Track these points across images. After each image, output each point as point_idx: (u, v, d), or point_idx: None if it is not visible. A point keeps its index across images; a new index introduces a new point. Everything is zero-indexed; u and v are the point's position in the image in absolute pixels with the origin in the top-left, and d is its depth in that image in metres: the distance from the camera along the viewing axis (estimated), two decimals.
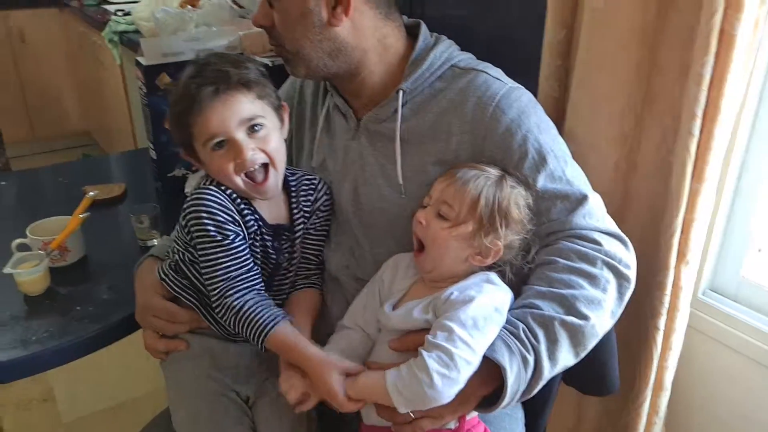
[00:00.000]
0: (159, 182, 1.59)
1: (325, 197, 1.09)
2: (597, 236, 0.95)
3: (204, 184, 0.99)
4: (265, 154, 0.96)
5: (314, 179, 1.09)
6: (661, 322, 1.19)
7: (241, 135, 0.94)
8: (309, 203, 1.07)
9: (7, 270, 1.13)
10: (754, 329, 1.19)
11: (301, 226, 1.06)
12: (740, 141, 1.16)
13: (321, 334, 1.03)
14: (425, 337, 0.84)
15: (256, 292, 0.97)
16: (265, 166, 0.97)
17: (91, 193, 1.29)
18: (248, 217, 0.99)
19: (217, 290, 0.95)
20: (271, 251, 1.03)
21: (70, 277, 1.24)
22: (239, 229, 0.97)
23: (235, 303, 0.94)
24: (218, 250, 0.95)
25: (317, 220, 1.09)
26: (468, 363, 0.82)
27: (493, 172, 0.94)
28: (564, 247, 0.95)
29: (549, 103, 1.27)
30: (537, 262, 0.96)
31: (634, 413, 1.28)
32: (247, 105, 0.94)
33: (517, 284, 0.95)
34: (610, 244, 0.95)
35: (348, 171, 1.08)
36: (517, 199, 0.92)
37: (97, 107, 3.76)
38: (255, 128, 0.95)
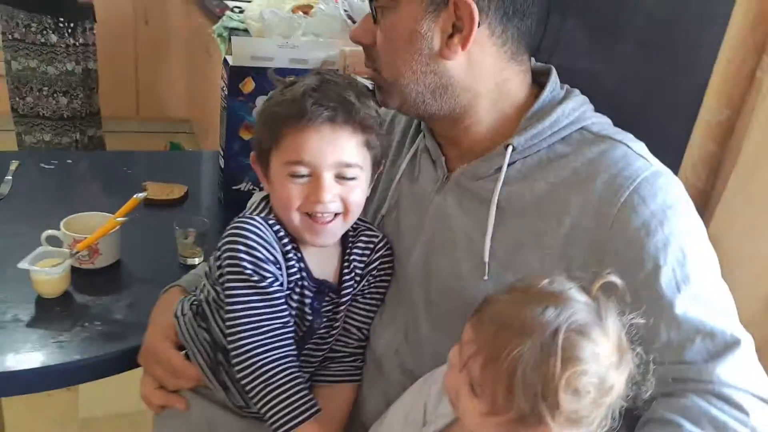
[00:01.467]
0: (222, 192, 1.45)
1: (383, 259, 0.90)
2: (745, 401, 0.69)
3: (250, 212, 0.83)
4: (342, 204, 0.81)
5: (375, 235, 0.90)
6: None
7: (329, 176, 0.80)
8: (363, 263, 0.88)
9: (22, 265, 1.00)
10: None
11: (351, 287, 0.87)
12: None
13: (352, 426, 0.89)
14: None
15: (290, 357, 0.79)
16: (335, 213, 0.81)
17: (140, 195, 1.15)
18: (292, 262, 0.82)
19: (242, 344, 0.78)
20: (308, 311, 0.84)
21: (94, 283, 1.10)
22: (279, 272, 0.81)
23: (263, 366, 0.78)
24: (252, 292, 0.79)
25: (368, 285, 0.90)
26: None
27: (550, 319, 0.60)
28: (695, 407, 0.69)
29: (691, 194, 0.99)
30: (649, 416, 0.71)
31: None
32: (353, 148, 0.81)
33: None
34: (761, 416, 0.69)
35: (424, 230, 0.87)
36: (579, 373, 0.58)
37: (201, 99, 3.77)
38: (347, 176, 0.81)
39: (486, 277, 0.80)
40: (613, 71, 1.37)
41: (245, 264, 0.79)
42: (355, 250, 0.88)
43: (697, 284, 0.73)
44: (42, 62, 2.53)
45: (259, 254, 0.79)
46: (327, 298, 0.86)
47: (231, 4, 3.24)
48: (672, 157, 0.97)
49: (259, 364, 0.78)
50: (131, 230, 1.18)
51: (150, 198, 1.40)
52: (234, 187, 1.43)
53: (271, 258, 0.80)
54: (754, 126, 0.92)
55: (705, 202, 1.03)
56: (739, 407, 0.68)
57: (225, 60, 1.34)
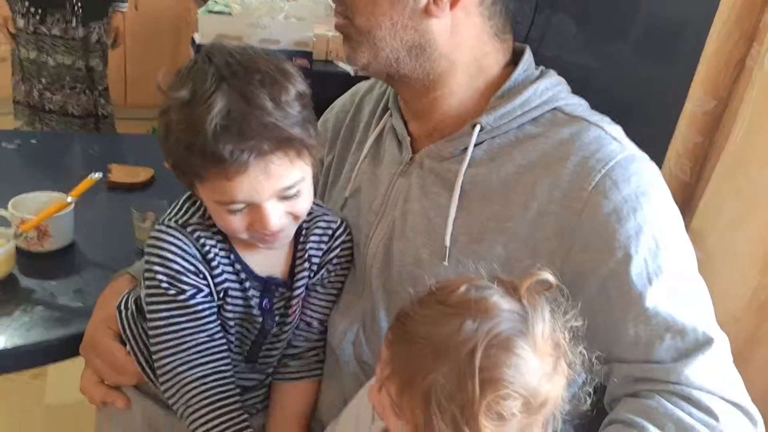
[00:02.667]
0: None
1: (344, 245, 0.83)
2: (713, 403, 0.64)
3: (169, 218, 0.76)
4: (291, 217, 0.74)
5: (333, 221, 0.83)
6: None
7: (270, 204, 0.71)
8: (320, 253, 0.82)
9: None
10: None
11: (304, 281, 0.81)
12: None
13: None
14: None
15: (218, 374, 0.75)
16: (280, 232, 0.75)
17: (95, 175, 1.09)
18: (223, 267, 0.76)
19: (165, 362, 0.75)
20: (256, 312, 0.78)
21: (43, 267, 1.05)
22: (204, 282, 0.74)
23: (187, 385, 0.74)
24: (171, 306, 0.74)
25: (328, 274, 0.83)
26: None
27: (467, 335, 0.53)
28: (660, 409, 0.64)
29: (674, 187, 0.96)
30: (613, 417, 0.66)
31: None
32: (288, 170, 0.70)
33: None
34: (729, 420, 0.64)
35: (386, 213, 0.82)
36: (500, 397, 0.52)
37: None
38: (290, 195, 0.72)
39: (446, 263, 0.74)
40: (599, 62, 1.33)
41: (160, 277, 0.73)
42: (311, 238, 0.81)
43: (670, 277, 0.68)
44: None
45: (176, 266, 0.73)
46: (277, 295, 0.80)
47: None
48: (657, 150, 0.92)
49: (183, 383, 0.74)
50: (90, 213, 1.13)
51: (114, 181, 1.35)
52: None
53: (191, 268, 0.74)
54: (742, 117, 0.87)
55: (689, 196, 0.98)
56: (707, 411, 0.63)
57: (192, 39, 1.28)
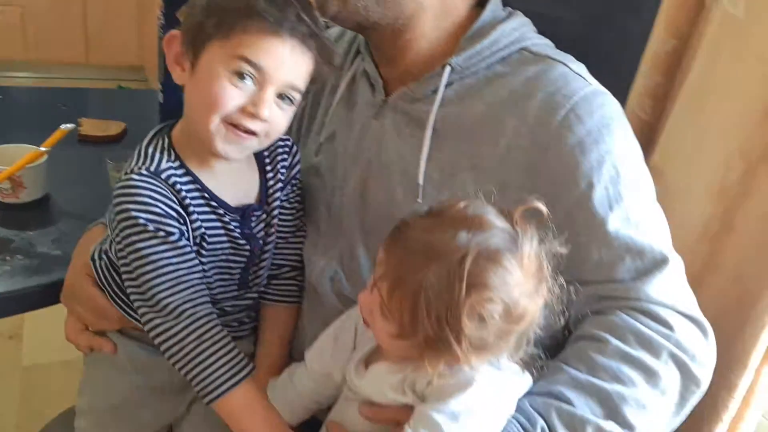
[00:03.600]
0: None
1: (299, 160, 0.88)
2: (670, 316, 0.70)
3: (137, 164, 0.75)
4: (267, 128, 0.75)
5: (287, 140, 0.86)
6: None
7: (272, 92, 0.73)
8: (285, 170, 0.86)
9: None
10: None
11: (278, 200, 0.85)
12: None
13: (295, 354, 0.88)
14: None
15: (215, 314, 0.75)
16: (254, 133, 0.75)
17: (68, 125, 1.09)
18: (195, 215, 0.76)
19: (164, 304, 0.72)
20: (241, 241, 0.81)
21: (19, 217, 1.05)
22: (184, 228, 0.75)
23: (192, 324, 0.72)
24: (164, 248, 0.73)
25: (292, 190, 0.88)
26: None
27: (461, 243, 0.57)
28: (621, 323, 0.69)
29: (635, 126, 0.99)
30: (579, 333, 0.72)
31: None
32: (305, 75, 0.75)
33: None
34: (684, 331, 0.70)
35: (360, 155, 0.84)
36: (484, 300, 0.57)
37: (153, 44, 3.62)
38: (288, 96, 0.75)
39: (420, 200, 0.77)
40: (563, 4, 1.34)
41: (144, 222, 0.72)
42: (278, 161, 0.84)
43: (629, 203, 0.72)
44: None
45: (158, 210, 0.73)
46: (254, 219, 0.83)
47: None
48: (620, 91, 0.95)
49: (188, 322, 0.72)
50: (62, 166, 1.13)
51: (85, 134, 1.34)
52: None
53: (173, 214, 0.74)
54: (700, 54, 0.91)
55: (650, 135, 1.02)
56: (664, 323, 0.69)
57: None
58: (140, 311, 0.75)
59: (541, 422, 0.64)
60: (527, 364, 0.65)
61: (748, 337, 0.86)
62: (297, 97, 0.76)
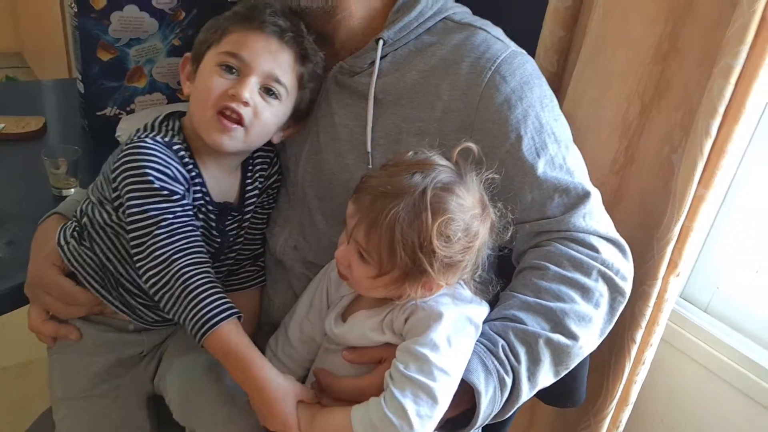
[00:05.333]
0: (85, 120, 1.37)
1: (279, 174, 0.94)
2: (595, 241, 0.82)
3: (146, 134, 0.80)
4: (253, 115, 0.80)
5: (270, 151, 0.93)
6: (639, 335, 1.08)
7: (254, 80, 0.80)
8: (263, 179, 0.92)
9: None
10: (723, 344, 1.11)
11: (252, 205, 0.90)
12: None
13: (264, 326, 0.93)
14: (393, 368, 0.70)
15: (208, 263, 0.77)
16: (240, 121, 0.80)
17: None
18: (197, 187, 0.82)
19: (159, 253, 0.74)
20: (215, 233, 0.86)
21: None
22: (187, 193, 0.80)
23: (182, 269, 0.73)
24: (164, 206, 0.76)
25: (267, 198, 0.94)
26: (448, 394, 0.69)
27: (418, 181, 0.68)
28: (556, 251, 0.81)
29: (546, 79, 1.11)
30: (522, 266, 0.83)
31: (594, 426, 1.19)
32: (288, 71, 0.82)
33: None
34: (608, 252, 0.83)
35: (311, 130, 0.91)
36: (447, 221, 0.67)
37: (31, 26, 3.40)
38: (270, 91, 0.81)
39: (370, 166, 0.86)
40: None
41: (151, 179, 0.75)
42: (258, 166, 0.90)
43: (553, 149, 0.84)
44: None
45: (167, 171, 0.77)
46: (229, 218, 0.88)
47: None
48: (525, 46, 1.05)
49: (178, 266, 0.74)
50: None
51: (5, 132, 1.30)
52: (98, 113, 1.35)
53: (180, 179, 0.78)
54: (597, 8, 1.02)
55: (559, 85, 1.14)
56: (591, 247, 0.82)
57: None
58: (141, 270, 0.76)
59: (501, 342, 0.75)
60: (483, 293, 0.77)
61: (656, 252, 1.01)
62: (282, 91, 0.82)
